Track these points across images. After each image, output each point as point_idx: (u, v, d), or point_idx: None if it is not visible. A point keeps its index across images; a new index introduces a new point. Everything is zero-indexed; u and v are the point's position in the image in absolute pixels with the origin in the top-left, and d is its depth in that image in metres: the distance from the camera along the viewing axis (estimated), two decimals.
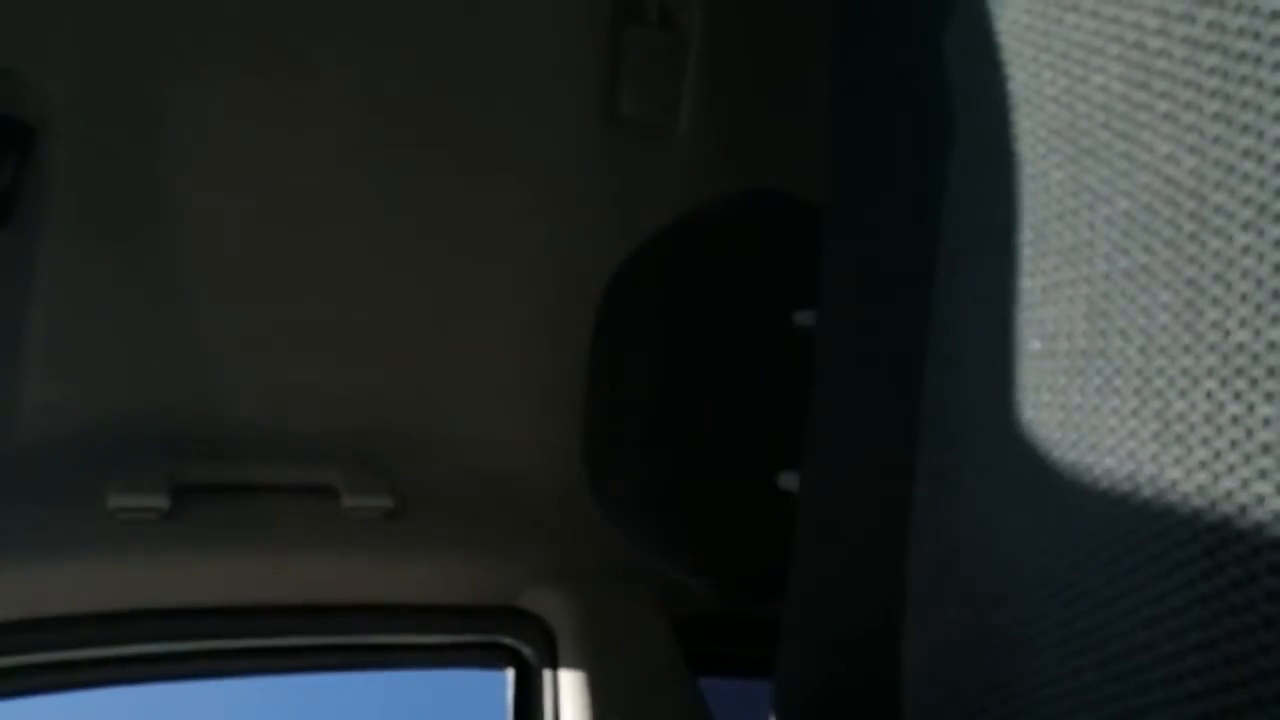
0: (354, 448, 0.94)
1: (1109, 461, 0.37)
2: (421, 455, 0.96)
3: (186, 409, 0.88)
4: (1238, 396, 0.31)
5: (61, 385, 0.84)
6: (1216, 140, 0.34)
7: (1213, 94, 0.34)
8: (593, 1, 0.92)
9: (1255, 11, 0.32)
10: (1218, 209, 0.33)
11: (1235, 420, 0.31)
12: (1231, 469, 0.31)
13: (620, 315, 1.00)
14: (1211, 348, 0.33)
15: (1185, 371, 0.34)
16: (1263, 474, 0.30)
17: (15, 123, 0.79)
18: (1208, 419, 0.32)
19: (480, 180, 0.94)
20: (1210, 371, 0.33)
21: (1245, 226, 0.32)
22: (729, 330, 1.03)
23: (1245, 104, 0.33)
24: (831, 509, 0.67)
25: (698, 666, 0.96)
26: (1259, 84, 0.32)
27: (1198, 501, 0.32)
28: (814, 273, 0.77)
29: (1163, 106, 0.37)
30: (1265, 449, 0.30)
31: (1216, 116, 0.34)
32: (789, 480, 0.95)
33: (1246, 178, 0.32)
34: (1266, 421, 0.30)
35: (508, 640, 0.95)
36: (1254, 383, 0.31)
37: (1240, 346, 0.31)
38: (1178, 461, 0.33)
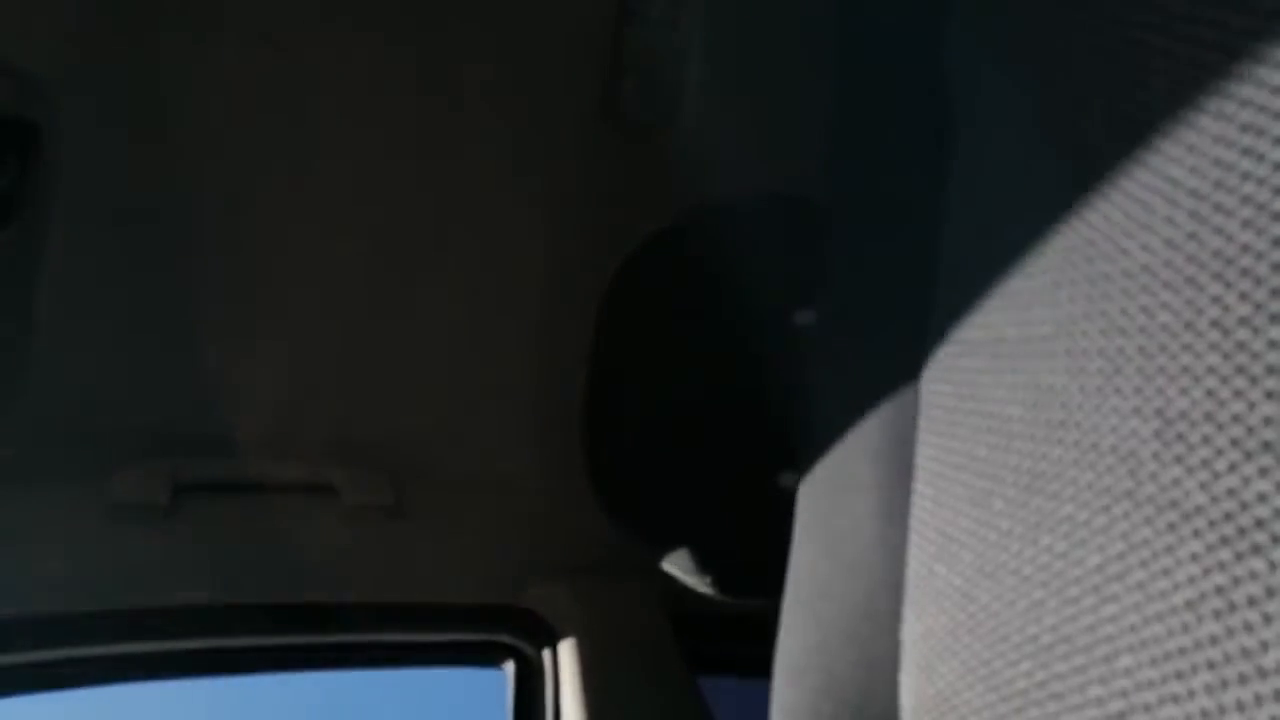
0: (354, 446, 0.94)
1: (1109, 460, 0.37)
2: (422, 454, 0.97)
3: (188, 407, 0.88)
4: (1238, 394, 0.31)
5: (63, 383, 0.84)
6: (1216, 140, 0.34)
7: (1213, 93, 0.34)
8: (594, 1, 0.92)
9: (1257, 11, 0.32)
10: (1217, 208, 0.34)
11: (1236, 418, 0.31)
12: (1233, 467, 0.31)
13: (621, 315, 1.00)
14: (1212, 346, 0.33)
15: (1186, 369, 0.34)
16: (1263, 472, 0.30)
17: (18, 122, 0.80)
18: (1208, 417, 0.32)
19: (479, 180, 0.94)
20: (1211, 369, 0.33)
21: (1244, 225, 0.32)
22: (729, 330, 1.03)
23: (1245, 102, 0.33)
24: (831, 507, 0.67)
25: (698, 666, 0.96)
26: (1259, 82, 0.32)
27: (1199, 499, 0.32)
28: (814, 273, 0.77)
29: (1164, 105, 0.37)
30: (1266, 447, 0.30)
31: (1217, 115, 0.34)
32: (789, 480, 0.95)
33: (1245, 176, 0.32)
34: (1267, 420, 0.30)
35: (508, 638, 0.95)
36: (1254, 380, 0.31)
37: (1240, 344, 0.32)
38: (1179, 460, 0.33)
